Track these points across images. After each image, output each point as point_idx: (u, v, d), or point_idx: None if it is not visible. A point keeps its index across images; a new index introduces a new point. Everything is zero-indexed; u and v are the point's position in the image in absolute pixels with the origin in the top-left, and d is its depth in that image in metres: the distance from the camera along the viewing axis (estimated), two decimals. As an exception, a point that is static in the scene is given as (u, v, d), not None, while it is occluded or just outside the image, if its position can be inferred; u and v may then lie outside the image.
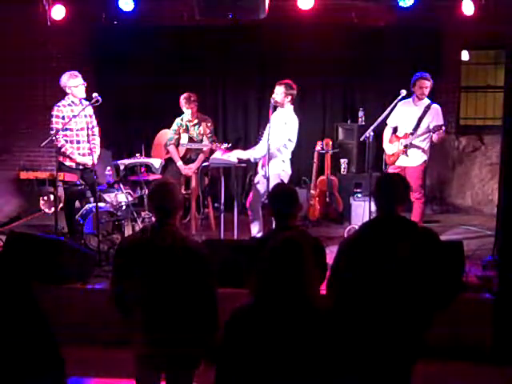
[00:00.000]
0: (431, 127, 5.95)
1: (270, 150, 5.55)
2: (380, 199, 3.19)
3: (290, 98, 5.70)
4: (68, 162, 5.95)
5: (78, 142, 5.97)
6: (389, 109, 5.89)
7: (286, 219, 3.31)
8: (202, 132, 6.62)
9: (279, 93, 5.67)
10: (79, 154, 5.96)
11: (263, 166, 5.72)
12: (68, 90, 5.91)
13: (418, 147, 6.08)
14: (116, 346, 4.28)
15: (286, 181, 5.71)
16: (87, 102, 5.84)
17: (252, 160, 5.86)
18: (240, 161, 5.83)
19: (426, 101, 6.09)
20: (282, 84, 5.69)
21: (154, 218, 3.17)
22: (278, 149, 5.68)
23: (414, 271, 3.00)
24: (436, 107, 6.10)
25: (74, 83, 5.86)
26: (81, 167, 5.99)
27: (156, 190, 3.14)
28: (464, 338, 4.61)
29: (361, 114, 7.66)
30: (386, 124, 6.24)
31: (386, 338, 3.00)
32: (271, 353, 2.21)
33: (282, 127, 5.66)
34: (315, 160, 7.11)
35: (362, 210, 6.48)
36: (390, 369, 3.05)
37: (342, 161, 7.53)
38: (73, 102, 5.93)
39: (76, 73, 5.91)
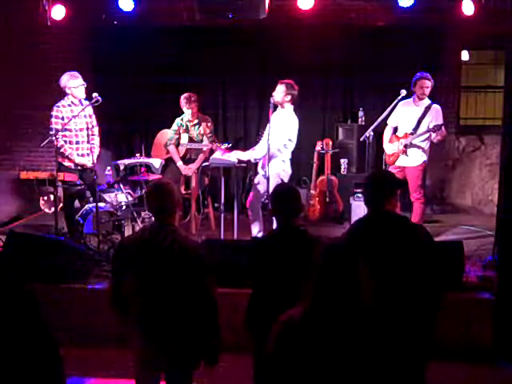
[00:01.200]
0: (431, 127, 5.95)
1: (270, 150, 5.56)
2: (367, 197, 3.25)
3: (289, 97, 5.69)
4: (66, 163, 5.94)
5: (78, 143, 5.96)
6: (389, 109, 5.89)
7: (288, 219, 3.30)
8: (201, 132, 6.62)
9: (280, 91, 5.65)
10: (78, 154, 5.95)
11: (263, 166, 5.72)
12: (68, 91, 5.90)
13: (418, 147, 6.08)
14: (116, 346, 4.28)
15: (286, 181, 5.70)
16: (87, 102, 5.84)
17: (252, 160, 5.86)
18: (240, 161, 5.84)
19: (427, 101, 6.09)
20: (283, 83, 5.66)
21: (153, 218, 3.17)
22: (278, 149, 5.68)
23: (406, 267, 3.02)
24: (436, 107, 6.10)
25: (74, 84, 5.85)
26: (79, 168, 5.99)
27: (153, 190, 3.14)
28: (464, 337, 4.61)
29: (361, 114, 7.66)
30: (387, 124, 6.24)
31: (398, 336, 3.01)
32: (329, 360, 2.16)
33: (282, 127, 5.66)
34: (315, 160, 7.11)
35: (362, 210, 6.42)
36: (406, 368, 3.07)
37: (342, 161, 7.52)
38: (72, 102, 5.92)
39: (76, 74, 5.90)
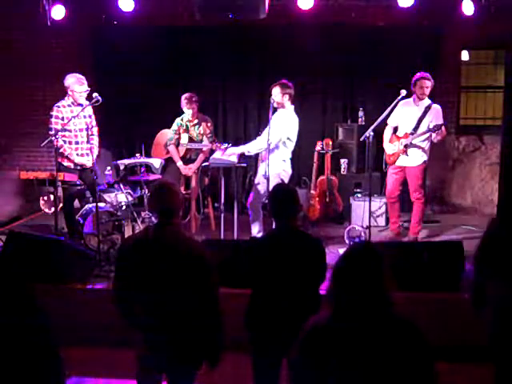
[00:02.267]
0: (431, 127, 5.95)
1: (269, 149, 5.56)
2: None
3: (288, 96, 5.72)
4: (66, 163, 5.94)
5: (77, 143, 5.97)
6: (389, 109, 5.88)
7: (285, 219, 3.30)
8: (201, 132, 6.62)
9: (276, 93, 5.71)
10: (77, 154, 5.96)
11: (263, 160, 5.72)
12: (69, 92, 5.90)
13: (418, 147, 6.07)
14: (116, 347, 4.28)
15: (286, 181, 5.72)
16: (87, 102, 5.84)
17: (246, 153, 5.87)
18: (241, 156, 5.85)
19: (427, 101, 6.09)
20: (276, 85, 5.73)
21: (153, 218, 3.18)
22: (276, 145, 5.68)
23: None
24: (436, 107, 6.10)
25: (78, 89, 5.84)
26: (79, 168, 5.99)
27: (157, 190, 3.16)
28: (463, 337, 4.61)
29: (361, 114, 7.66)
30: (387, 124, 6.24)
31: None
32: (353, 363, 2.15)
33: (281, 125, 5.68)
34: (315, 160, 7.10)
35: (362, 210, 6.49)
36: None
37: (342, 161, 7.53)
38: (72, 103, 5.92)
39: (83, 80, 5.88)
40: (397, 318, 2.19)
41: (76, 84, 5.84)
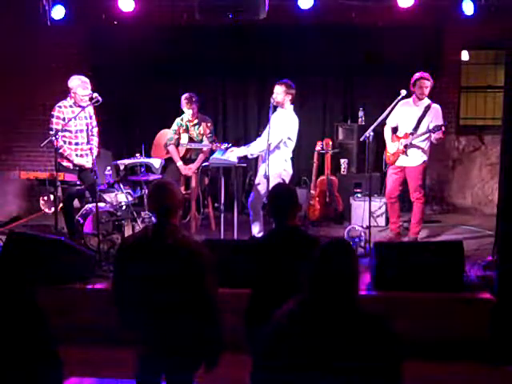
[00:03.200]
0: (431, 127, 5.95)
1: (269, 149, 5.56)
2: None
3: (290, 97, 5.72)
4: (65, 163, 5.95)
5: (77, 144, 5.97)
6: (389, 109, 5.89)
7: (285, 219, 3.30)
8: (201, 132, 6.62)
9: (279, 92, 5.69)
10: (77, 155, 5.96)
11: (263, 161, 5.73)
12: (72, 94, 5.89)
13: (418, 147, 6.07)
14: (116, 347, 4.28)
15: (287, 180, 5.72)
16: (88, 103, 5.84)
17: (249, 156, 5.87)
18: (240, 161, 5.84)
19: (426, 101, 6.09)
20: (281, 83, 5.71)
21: (153, 218, 3.17)
22: (277, 146, 5.68)
23: None
24: (436, 107, 6.09)
25: (81, 93, 5.82)
26: (77, 168, 5.99)
27: (155, 189, 3.15)
28: (463, 338, 4.61)
29: (361, 114, 7.67)
30: (385, 124, 6.22)
31: None
32: (314, 354, 2.16)
33: (281, 125, 5.67)
34: (315, 160, 7.11)
35: (362, 210, 6.49)
36: None
37: (342, 161, 7.53)
38: (74, 103, 5.92)
39: (88, 84, 5.86)
40: (362, 313, 2.21)
41: (80, 87, 5.83)
